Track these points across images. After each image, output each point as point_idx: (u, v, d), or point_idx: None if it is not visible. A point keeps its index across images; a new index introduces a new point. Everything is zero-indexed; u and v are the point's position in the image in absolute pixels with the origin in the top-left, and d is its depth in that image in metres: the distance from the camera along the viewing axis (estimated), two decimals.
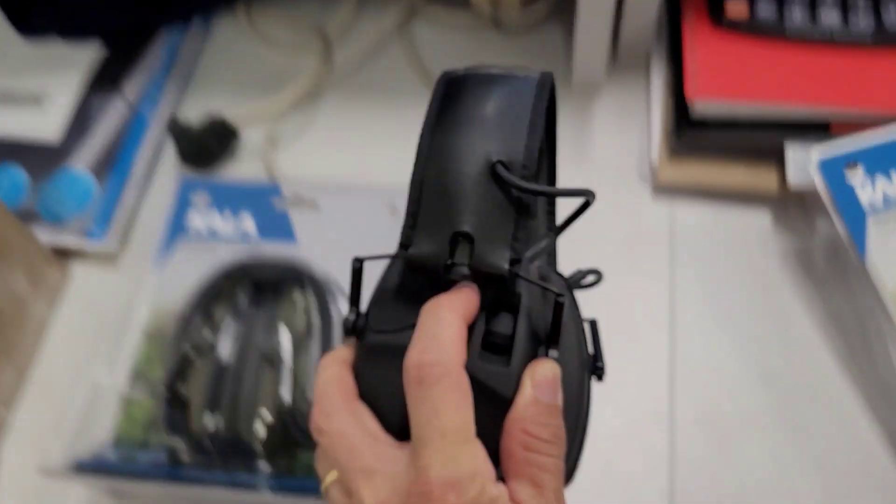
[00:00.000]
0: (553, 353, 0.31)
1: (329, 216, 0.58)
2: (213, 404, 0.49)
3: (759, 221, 0.59)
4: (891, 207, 0.51)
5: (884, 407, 0.51)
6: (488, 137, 0.31)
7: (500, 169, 0.30)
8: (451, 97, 0.32)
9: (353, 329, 0.32)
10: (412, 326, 0.30)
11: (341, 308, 0.53)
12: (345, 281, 0.53)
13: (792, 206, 0.59)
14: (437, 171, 0.31)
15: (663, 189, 0.60)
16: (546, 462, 0.30)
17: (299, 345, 0.51)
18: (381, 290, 0.33)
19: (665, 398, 0.53)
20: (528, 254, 0.32)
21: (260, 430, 0.49)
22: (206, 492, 0.48)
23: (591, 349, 0.35)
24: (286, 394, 0.49)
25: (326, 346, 0.51)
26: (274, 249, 0.56)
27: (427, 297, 0.30)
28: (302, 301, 0.53)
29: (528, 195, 0.30)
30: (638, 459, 0.50)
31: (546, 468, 0.30)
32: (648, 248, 0.58)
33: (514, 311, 0.31)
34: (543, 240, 0.34)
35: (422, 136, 0.32)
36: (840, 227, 0.52)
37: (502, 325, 0.31)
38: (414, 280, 0.32)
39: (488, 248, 0.30)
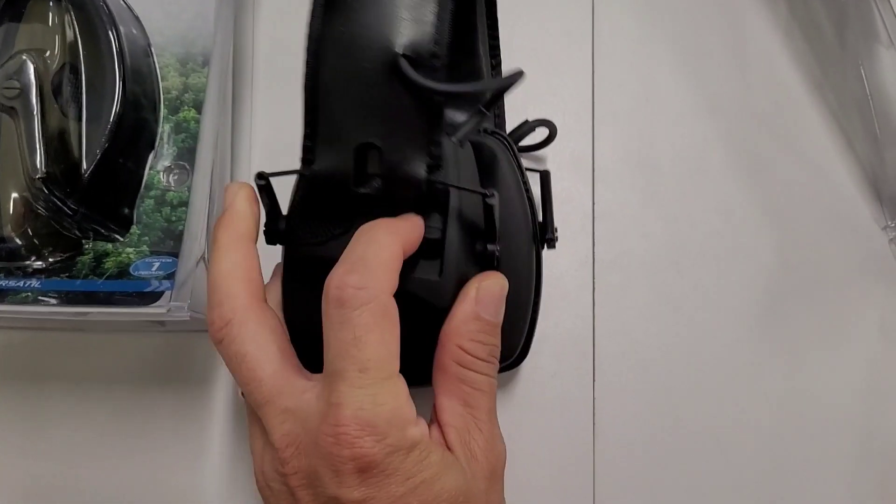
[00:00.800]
0: (491, 247, 0.30)
1: None
2: None
3: None
4: None
5: (863, 137, 0.42)
6: (389, 21, 0.27)
7: (405, 66, 0.27)
8: None
9: (277, 235, 0.30)
10: (337, 237, 0.29)
11: (122, 32, 0.37)
12: None
13: None
14: (332, 71, 0.28)
15: None
16: (480, 381, 0.29)
17: (53, 86, 0.36)
18: (293, 206, 0.30)
19: (586, 137, 0.43)
20: (456, 137, 0.31)
21: (11, 213, 0.35)
22: None
23: (540, 213, 0.35)
24: (39, 159, 0.34)
25: (96, 88, 0.36)
26: None
27: (341, 211, 0.29)
28: (56, 19, 0.37)
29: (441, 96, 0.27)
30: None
31: (479, 387, 0.29)
32: None
33: (443, 211, 0.29)
34: (472, 118, 0.32)
35: (311, 23, 0.28)
36: None
37: (431, 229, 0.29)
38: (324, 195, 0.29)
39: (400, 157, 0.28)
